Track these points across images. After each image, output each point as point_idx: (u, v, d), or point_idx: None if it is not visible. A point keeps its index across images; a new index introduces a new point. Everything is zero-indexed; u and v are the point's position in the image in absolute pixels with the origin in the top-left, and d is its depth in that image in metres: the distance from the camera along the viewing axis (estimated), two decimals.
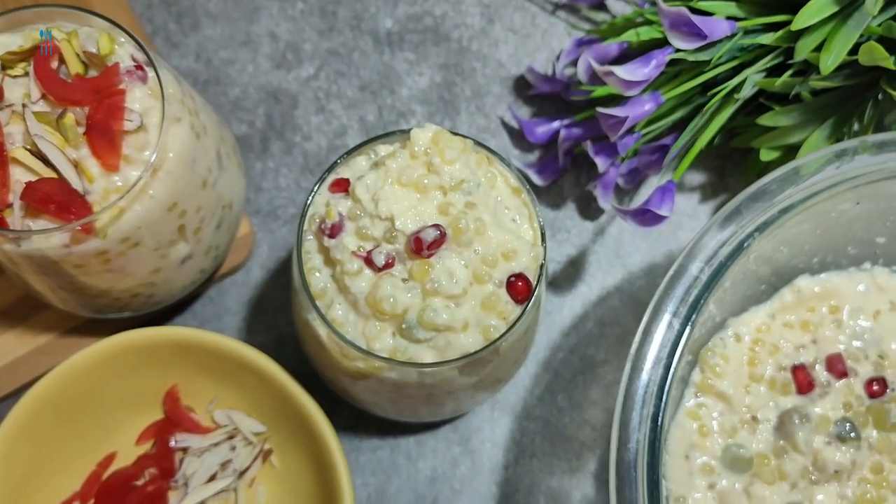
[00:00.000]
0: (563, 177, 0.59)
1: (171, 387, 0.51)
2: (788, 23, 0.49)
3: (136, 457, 0.51)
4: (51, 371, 0.47)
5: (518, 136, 0.60)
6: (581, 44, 0.59)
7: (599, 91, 0.54)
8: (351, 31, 0.62)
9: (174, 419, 0.51)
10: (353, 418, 0.55)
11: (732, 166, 0.60)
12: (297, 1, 0.62)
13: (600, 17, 0.62)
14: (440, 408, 0.49)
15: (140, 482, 0.51)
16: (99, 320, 0.53)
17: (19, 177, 0.41)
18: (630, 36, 0.52)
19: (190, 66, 0.60)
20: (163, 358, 0.50)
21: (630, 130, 0.52)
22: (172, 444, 0.51)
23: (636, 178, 0.58)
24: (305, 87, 0.61)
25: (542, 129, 0.58)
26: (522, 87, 0.61)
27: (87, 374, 0.48)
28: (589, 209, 0.59)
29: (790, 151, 0.53)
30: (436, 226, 0.41)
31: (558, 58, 0.61)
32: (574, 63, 0.60)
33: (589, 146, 0.53)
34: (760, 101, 0.53)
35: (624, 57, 0.54)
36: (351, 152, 0.44)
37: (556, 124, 0.58)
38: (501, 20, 0.62)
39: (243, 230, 0.56)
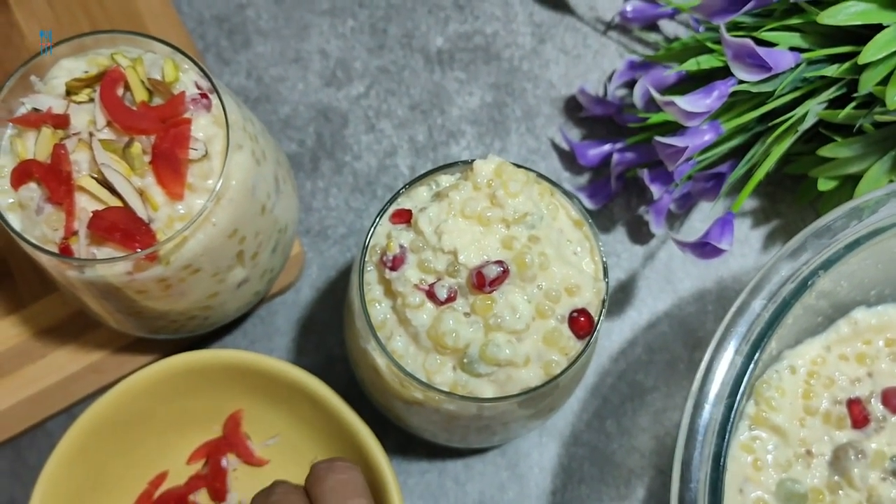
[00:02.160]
0: (613, 200, 0.59)
1: (236, 411, 0.51)
2: (852, 54, 0.48)
3: (186, 476, 0.52)
4: (108, 391, 0.48)
5: (568, 159, 0.60)
6: (633, 65, 0.59)
7: (655, 118, 0.53)
8: (401, 50, 0.61)
9: (231, 441, 0.51)
10: (402, 441, 0.55)
11: (784, 192, 0.59)
12: (347, 18, 0.62)
13: (652, 37, 0.62)
14: (492, 435, 0.49)
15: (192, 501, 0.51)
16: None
17: (84, 204, 0.41)
18: (690, 65, 0.51)
19: (241, 83, 0.60)
20: (216, 379, 0.50)
21: (686, 158, 0.52)
22: (224, 464, 0.51)
23: (687, 203, 0.57)
24: (356, 106, 0.60)
25: (594, 153, 0.58)
26: (573, 109, 0.61)
27: (142, 395, 0.48)
28: (639, 233, 0.59)
29: (848, 181, 0.53)
30: (499, 262, 0.41)
31: (610, 79, 0.61)
32: (626, 85, 0.60)
33: (645, 174, 0.53)
34: (818, 130, 0.53)
35: (681, 83, 0.54)
36: (412, 183, 0.44)
37: (607, 148, 0.58)
38: (552, 40, 0.62)
39: (294, 250, 0.56)
